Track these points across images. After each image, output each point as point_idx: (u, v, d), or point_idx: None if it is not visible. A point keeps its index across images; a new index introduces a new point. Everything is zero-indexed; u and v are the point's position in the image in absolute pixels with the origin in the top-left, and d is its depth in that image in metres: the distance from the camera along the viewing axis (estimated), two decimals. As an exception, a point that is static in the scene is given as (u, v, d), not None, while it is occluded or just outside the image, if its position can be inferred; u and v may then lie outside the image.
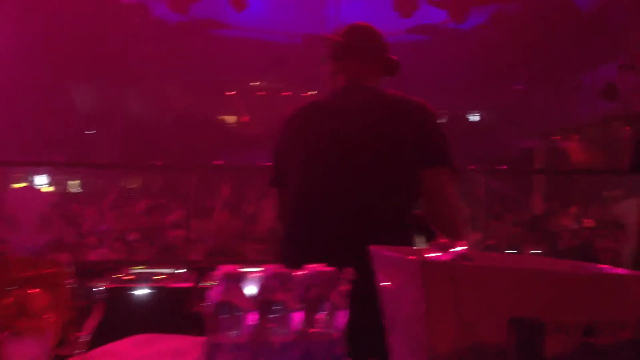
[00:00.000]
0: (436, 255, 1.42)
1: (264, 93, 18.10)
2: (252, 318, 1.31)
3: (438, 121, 2.35)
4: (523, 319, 1.12)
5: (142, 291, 3.04)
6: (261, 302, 1.31)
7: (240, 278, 1.33)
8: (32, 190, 10.19)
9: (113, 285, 2.75)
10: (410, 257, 1.34)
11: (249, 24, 14.33)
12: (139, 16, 13.20)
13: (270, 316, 1.30)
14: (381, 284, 1.47)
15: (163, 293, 3.24)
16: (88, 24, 12.49)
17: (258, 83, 18.57)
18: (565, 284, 1.25)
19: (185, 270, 3.49)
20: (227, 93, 17.55)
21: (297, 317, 1.32)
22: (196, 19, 13.60)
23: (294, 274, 1.35)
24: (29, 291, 1.47)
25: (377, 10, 13.03)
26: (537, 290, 1.23)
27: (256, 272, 1.35)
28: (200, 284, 3.16)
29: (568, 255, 6.20)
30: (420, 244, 2.08)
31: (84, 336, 1.45)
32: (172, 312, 2.89)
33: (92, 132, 16.08)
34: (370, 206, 2.20)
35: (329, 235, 2.17)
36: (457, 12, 11.73)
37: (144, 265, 3.63)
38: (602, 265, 1.45)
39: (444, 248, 1.45)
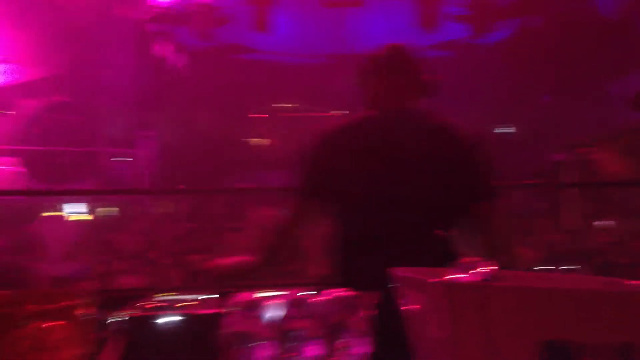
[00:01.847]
0: (462, 277, 1.37)
1: (290, 114, 18.20)
2: (270, 347, 1.27)
3: (485, 152, 2.34)
4: (555, 341, 1.07)
5: (168, 319, 3.00)
6: (279, 330, 1.27)
7: (257, 306, 1.29)
8: (61, 219, 10.31)
9: (138, 314, 2.71)
10: (434, 279, 1.29)
11: (273, 47, 14.44)
12: (162, 42, 13.37)
13: (289, 345, 1.26)
14: (405, 307, 1.42)
15: (191, 320, 3.19)
16: (115, 49, 12.70)
17: (285, 105, 18.69)
18: (600, 303, 1.19)
19: (215, 295, 3.44)
20: (252, 115, 17.67)
21: (317, 345, 1.27)
22: (220, 44, 13.76)
23: (312, 300, 1.31)
24: (44, 325, 1.45)
25: (399, 27, 13.06)
26: (569, 310, 1.18)
27: (273, 299, 1.32)
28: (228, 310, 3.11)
29: (605, 271, 6.07)
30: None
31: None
32: (201, 340, 2.84)
33: (120, 159, 16.26)
34: (421, 232, 2.20)
35: (382, 257, 2.15)
36: (480, 27, 11.70)
37: (172, 292, 3.59)
38: (638, 282, 1.38)
39: (469, 268, 1.39)
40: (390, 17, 13.30)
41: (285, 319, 1.27)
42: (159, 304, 3.18)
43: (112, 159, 16.07)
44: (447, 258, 2.17)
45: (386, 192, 2.23)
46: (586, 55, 12.55)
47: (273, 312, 1.28)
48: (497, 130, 18.32)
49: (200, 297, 3.40)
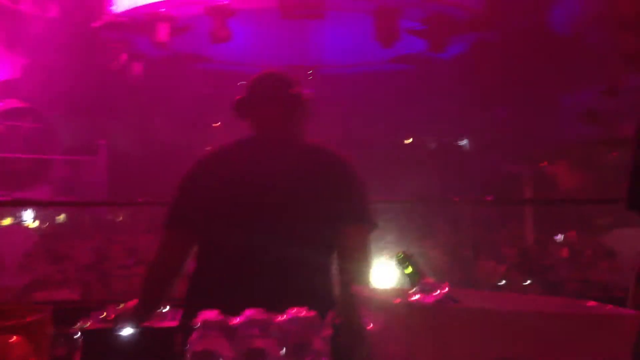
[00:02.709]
0: (420, 297, 1.40)
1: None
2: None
3: (357, 176, 2.30)
4: (509, 361, 1.10)
5: (124, 332, 2.96)
6: (241, 350, 1.27)
7: (220, 325, 1.30)
8: (16, 228, 10.10)
9: (95, 327, 2.68)
10: (394, 300, 1.32)
11: (231, 57, 14.40)
12: (120, 51, 13.23)
13: (252, 365, 1.27)
14: (367, 325, 1.44)
15: (147, 333, 3.15)
16: (71, 56, 12.53)
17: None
18: (553, 325, 1.23)
19: (168, 308, 3.40)
20: (212, 125, 17.59)
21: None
22: (178, 53, 13.67)
23: (274, 320, 1.32)
24: (9, 340, 1.43)
25: (358, 41, 13.17)
26: (524, 331, 1.21)
27: (237, 318, 1.32)
28: (185, 323, 3.09)
29: (560, 286, 6.18)
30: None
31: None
32: (157, 354, 2.81)
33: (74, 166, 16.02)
34: (289, 258, 2.16)
35: (246, 286, 2.14)
36: (436, 42, 11.87)
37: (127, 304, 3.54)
38: (592, 303, 1.43)
39: (429, 289, 1.42)
40: (349, 30, 13.41)
41: (248, 338, 1.28)
42: (114, 317, 3.14)
43: (67, 167, 15.83)
44: (324, 286, 2.23)
45: (254, 219, 2.21)
46: (540, 70, 12.84)
47: (237, 332, 1.29)
48: (453, 143, 18.61)
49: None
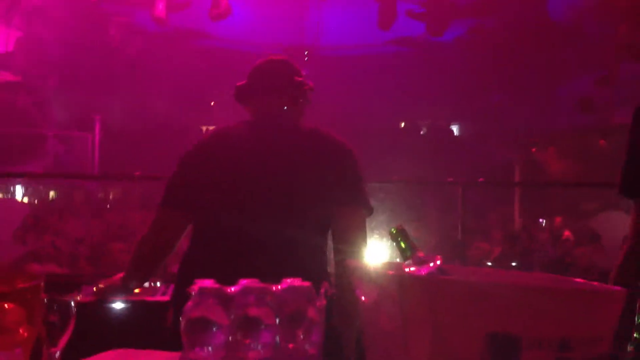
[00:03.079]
0: (413, 270, 1.42)
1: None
2: (228, 333, 1.30)
3: (355, 160, 2.33)
4: (499, 334, 1.12)
5: (117, 305, 3.00)
6: (237, 317, 1.30)
7: (216, 293, 1.32)
8: (7, 201, 10.06)
9: (87, 299, 2.71)
10: (387, 272, 1.34)
11: (230, 35, 14.33)
12: (119, 23, 13.14)
13: (246, 332, 1.29)
14: (361, 298, 1.47)
15: (139, 306, 3.19)
16: (67, 28, 12.44)
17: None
18: (541, 299, 1.26)
19: (160, 283, 3.44)
20: (209, 103, 17.55)
21: (274, 333, 1.31)
22: (176, 28, 13.57)
23: (270, 289, 1.35)
24: (3, 307, 1.45)
25: (357, 22, 13.12)
26: (513, 305, 1.24)
27: (232, 287, 1.35)
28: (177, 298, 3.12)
29: (546, 269, 6.24)
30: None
31: (58, 351, 1.43)
32: (149, 327, 2.85)
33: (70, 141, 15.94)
34: (284, 238, 2.20)
35: (240, 265, 2.15)
36: (435, 25, 11.83)
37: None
38: (579, 280, 1.46)
39: (421, 262, 1.45)
40: (348, 10, 13.36)
41: (244, 306, 1.30)
42: (101, 288, 3.16)
43: (60, 141, 15.75)
44: (318, 266, 2.25)
45: (250, 200, 2.23)
46: (536, 57, 12.83)
47: (232, 300, 1.31)
48: (448, 126, 18.63)
49: (148, 284, 3.40)
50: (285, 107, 2.37)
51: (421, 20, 12.05)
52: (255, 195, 2.23)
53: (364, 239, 2.25)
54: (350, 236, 2.24)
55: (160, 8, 11.50)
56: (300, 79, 2.41)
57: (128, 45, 13.51)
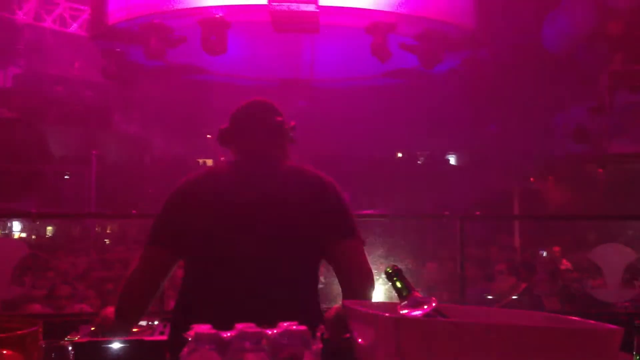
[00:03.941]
0: (410, 311, 1.42)
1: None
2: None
3: (339, 193, 2.33)
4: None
5: (114, 344, 2.97)
6: (233, 363, 1.29)
7: (212, 339, 1.32)
8: (6, 240, 10.02)
9: (85, 340, 2.68)
10: (384, 314, 1.34)
11: (226, 69, 14.45)
12: (116, 61, 13.26)
13: (243, 378, 1.28)
14: (356, 339, 1.47)
15: (137, 346, 3.15)
16: (66, 68, 12.55)
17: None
18: (538, 339, 1.26)
19: (158, 322, 3.40)
20: (207, 136, 17.64)
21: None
22: (173, 64, 13.69)
23: (266, 333, 1.34)
24: (1, 354, 1.44)
25: (352, 56, 13.24)
26: (511, 345, 1.24)
27: (227, 332, 1.34)
28: (175, 337, 3.09)
29: (545, 300, 6.22)
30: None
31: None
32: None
33: (68, 176, 15.98)
34: (275, 276, 2.19)
35: (234, 303, 2.15)
36: (428, 58, 11.95)
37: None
38: (576, 319, 1.46)
39: (418, 303, 1.45)
40: (343, 44, 13.48)
41: (240, 352, 1.30)
42: (94, 327, 3.13)
43: (65, 177, 15.80)
44: (308, 302, 2.25)
45: (240, 239, 2.22)
46: (531, 87, 12.94)
47: (229, 345, 1.31)
48: (444, 157, 18.71)
49: (146, 323, 3.38)
50: (268, 148, 2.39)
51: (414, 53, 12.17)
52: (244, 235, 2.22)
53: (365, 269, 2.23)
54: (354, 268, 2.23)
55: (156, 43, 11.62)
56: (280, 119, 2.43)
57: (124, 80, 13.61)
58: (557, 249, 10.41)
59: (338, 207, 2.30)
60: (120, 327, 2.39)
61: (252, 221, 2.23)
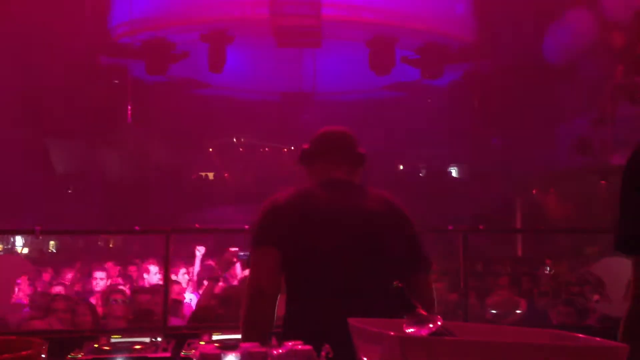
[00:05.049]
0: (414, 330, 1.42)
1: (242, 150, 18.28)
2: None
3: (412, 223, 2.55)
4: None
5: (119, 362, 2.97)
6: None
7: (218, 358, 1.32)
8: (8, 257, 10.03)
9: (89, 357, 2.69)
10: (389, 332, 1.34)
11: (228, 82, 14.49)
12: (118, 76, 13.31)
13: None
14: (362, 358, 1.46)
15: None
16: (68, 83, 12.57)
17: (235, 140, 18.76)
18: (544, 357, 1.26)
19: (162, 339, 3.41)
20: (208, 150, 17.68)
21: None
22: (175, 78, 13.73)
23: (271, 352, 1.34)
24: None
25: (354, 69, 13.27)
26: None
27: (233, 352, 1.34)
28: (180, 354, 3.10)
29: (550, 314, 6.19)
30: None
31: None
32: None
33: (70, 191, 15.99)
34: (372, 290, 2.31)
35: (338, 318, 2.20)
36: (430, 71, 11.98)
37: (121, 334, 3.55)
38: (581, 335, 1.45)
39: (422, 321, 1.45)
40: (343, 57, 13.52)
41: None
42: (110, 347, 3.15)
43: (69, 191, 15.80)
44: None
45: (339, 254, 2.36)
46: (533, 99, 12.94)
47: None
48: (446, 170, 18.70)
49: (150, 340, 3.38)
50: (350, 174, 2.59)
51: (416, 66, 12.21)
52: (343, 252, 2.36)
53: (434, 302, 2.44)
54: (426, 301, 2.33)
55: (159, 58, 11.67)
56: (363, 151, 2.63)
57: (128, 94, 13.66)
58: (560, 262, 10.38)
59: (420, 241, 2.53)
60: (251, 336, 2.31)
61: (349, 239, 2.40)
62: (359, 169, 2.63)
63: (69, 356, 2.92)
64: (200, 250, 6.89)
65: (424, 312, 1.48)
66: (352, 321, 1.56)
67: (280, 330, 2.37)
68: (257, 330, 2.30)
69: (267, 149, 18.83)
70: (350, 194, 2.51)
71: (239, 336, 2.42)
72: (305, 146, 2.64)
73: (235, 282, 6.63)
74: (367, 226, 2.42)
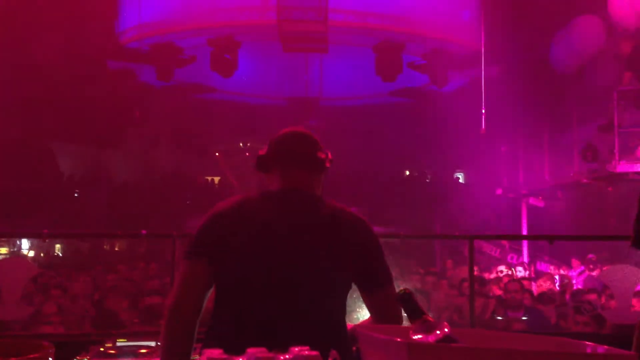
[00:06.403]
0: (422, 337, 1.42)
1: (248, 154, 18.32)
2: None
3: (378, 239, 2.37)
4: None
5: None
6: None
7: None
8: (15, 260, 10.04)
9: (96, 360, 2.69)
10: (396, 339, 1.34)
11: (235, 87, 14.52)
12: (126, 81, 13.35)
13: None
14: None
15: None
16: (76, 87, 12.61)
17: (241, 144, 18.80)
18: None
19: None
20: (214, 154, 17.71)
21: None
22: (182, 83, 13.77)
23: (278, 358, 1.34)
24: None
25: (360, 75, 13.29)
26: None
27: (239, 358, 1.34)
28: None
29: (556, 321, 6.17)
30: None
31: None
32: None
33: (77, 194, 16.04)
34: (306, 310, 2.21)
35: (266, 333, 2.14)
36: (437, 77, 11.97)
37: (128, 337, 3.55)
38: (588, 343, 1.45)
39: (429, 328, 1.44)
40: (351, 63, 13.54)
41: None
42: (116, 350, 3.15)
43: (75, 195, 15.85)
44: (334, 334, 2.25)
45: (276, 267, 2.23)
46: (539, 106, 12.92)
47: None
48: (452, 176, 18.68)
49: (156, 344, 3.37)
50: (309, 184, 2.40)
51: (423, 72, 12.21)
52: (280, 265, 2.23)
53: (399, 316, 2.27)
54: (390, 316, 2.27)
55: (166, 62, 11.69)
56: (323, 155, 2.44)
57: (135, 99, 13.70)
58: (567, 268, 10.36)
59: (377, 255, 2.34)
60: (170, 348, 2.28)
61: (290, 252, 2.24)
62: (319, 176, 2.44)
63: (75, 359, 2.93)
64: None
65: (431, 319, 1.48)
66: (359, 328, 1.56)
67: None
68: (173, 349, 2.26)
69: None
70: (292, 206, 2.33)
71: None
72: (262, 152, 2.48)
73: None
74: (299, 242, 2.24)
